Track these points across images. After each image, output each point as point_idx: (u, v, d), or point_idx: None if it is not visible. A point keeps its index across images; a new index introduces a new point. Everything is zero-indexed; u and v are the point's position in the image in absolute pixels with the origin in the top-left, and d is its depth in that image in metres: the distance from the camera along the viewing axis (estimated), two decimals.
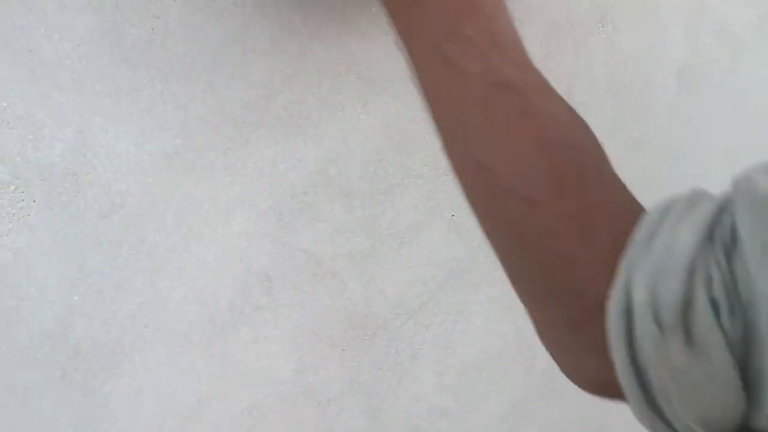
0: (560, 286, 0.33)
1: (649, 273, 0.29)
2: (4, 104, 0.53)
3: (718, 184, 0.33)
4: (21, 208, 0.55)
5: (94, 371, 0.60)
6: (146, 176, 0.59)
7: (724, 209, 0.30)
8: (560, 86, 0.75)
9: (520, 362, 0.81)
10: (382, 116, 0.67)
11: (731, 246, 0.28)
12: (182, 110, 0.59)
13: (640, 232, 0.30)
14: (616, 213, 0.33)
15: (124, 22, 0.56)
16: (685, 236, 0.29)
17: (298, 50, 0.62)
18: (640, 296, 0.28)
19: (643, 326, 0.28)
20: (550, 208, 0.33)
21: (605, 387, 0.32)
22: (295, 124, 0.64)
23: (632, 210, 0.33)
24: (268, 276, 0.66)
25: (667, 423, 0.31)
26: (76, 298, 0.58)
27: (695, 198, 0.31)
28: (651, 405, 0.30)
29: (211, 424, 0.66)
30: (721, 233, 0.28)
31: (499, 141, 0.35)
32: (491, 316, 0.78)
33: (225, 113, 0.61)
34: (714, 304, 0.28)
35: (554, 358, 0.37)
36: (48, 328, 0.58)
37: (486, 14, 0.37)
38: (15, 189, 0.55)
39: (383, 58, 0.66)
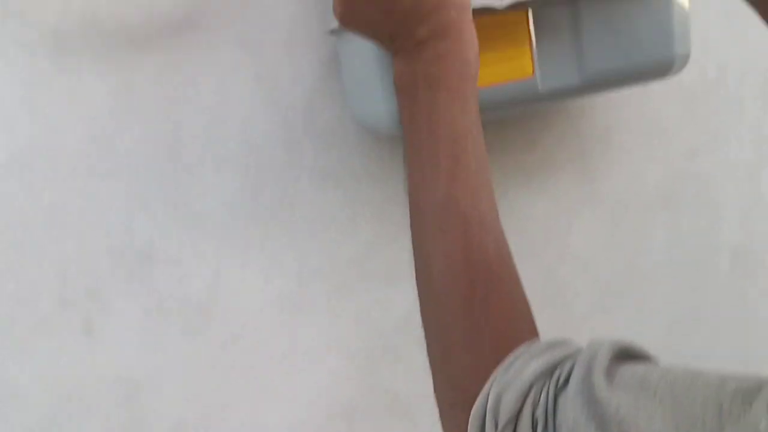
0: (449, 375, 0.45)
1: (500, 387, 0.39)
2: (161, 247, 0.65)
3: None
4: (160, 333, 0.66)
5: None
6: (263, 314, 0.69)
7: (570, 357, 0.39)
8: (621, 260, 0.83)
9: None
10: None
11: (563, 384, 0.38)
12: (300, 261, 0.70)
13: (509, 358, 0.41)
14: (504, 336, 0.43)
15: (263, 185, 0.68)
16: (532, 367, 0.39)
17: (401, 217, 0.73)
18: (490, 403, 0.39)
19: (488, 425, 0.39)
20: (456, 318, 0.44)
21: None
22: (391, 277, 0.74)
23: (520, 337, 0.43)
24: (351, 408, 0.74)
25: None
26: (190, 414, 0.68)
27: (555, 343, 0.41)
28: None
29: None
30: (559, 372, 0.38)
31: (441, 250, 0.46)
32: None
33: (335, 266, 0.71)
34: (534, 420, 0.38)
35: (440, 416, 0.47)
36: None
37: (457, 150, 0.47)
38: (157, 317, 0.66)
39: None
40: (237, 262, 0.68)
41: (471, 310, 0.44)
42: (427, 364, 0.75)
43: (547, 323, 0.46)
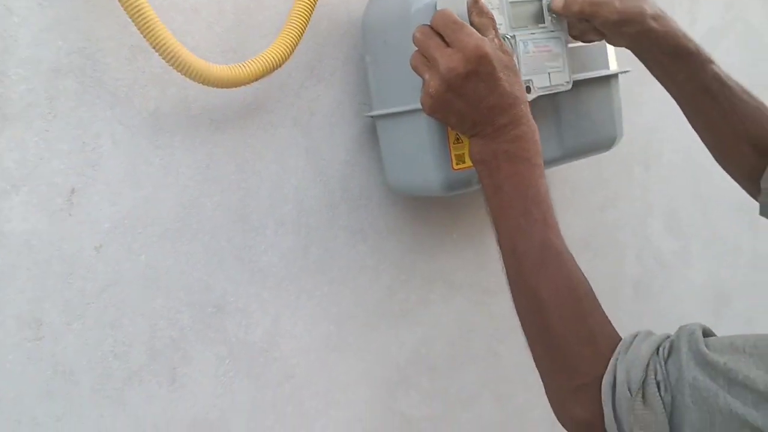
0: (571, 367, 0.59)
1: (626, 366, 0.55)
2: (232, 299, 0.74)
3: None
4: (230, 377, 0.74)
5: None
6: (310, 354, 0.80)
7: (666, 339, 0.57)
8: None
9: None
10: (456, 310, 0.93)
11: (668, 356, 0.55)
12: (337, 306, 0.82)
13: (621, 345, 0.57)
14: (610, 334, 0.59)
15: (311, 244, 0.79)
16: (644, 348, 0.55)
17: (411, 263, 0.88)
18: (621, 377, 0.55)
19: (622, 392, 0.54)
20: (572, 325, 0.59)
21: (586, 428, 0.58)
22: (403, 315, 0.88)
23: (616, 333, 0.60)
24: None
25: None
26: None
27: (646, 332, 0.58)
28: None
29: None
30: (662, 349, 0.55)
31: (547, 280, 0.60)
32: None
33: (363, 308, 0.84)
34: (657, 383, 0.54)
35: (554, 406, 0.61)
36: None
37: (543, 206, 0.63)
38: (228, 362, 0.74)
39: (460, 269, 0.93)
40: (291, 309, 0.78)
41: (584, 318, 0.59)
42: (432, 389, 0.89)
43: None
